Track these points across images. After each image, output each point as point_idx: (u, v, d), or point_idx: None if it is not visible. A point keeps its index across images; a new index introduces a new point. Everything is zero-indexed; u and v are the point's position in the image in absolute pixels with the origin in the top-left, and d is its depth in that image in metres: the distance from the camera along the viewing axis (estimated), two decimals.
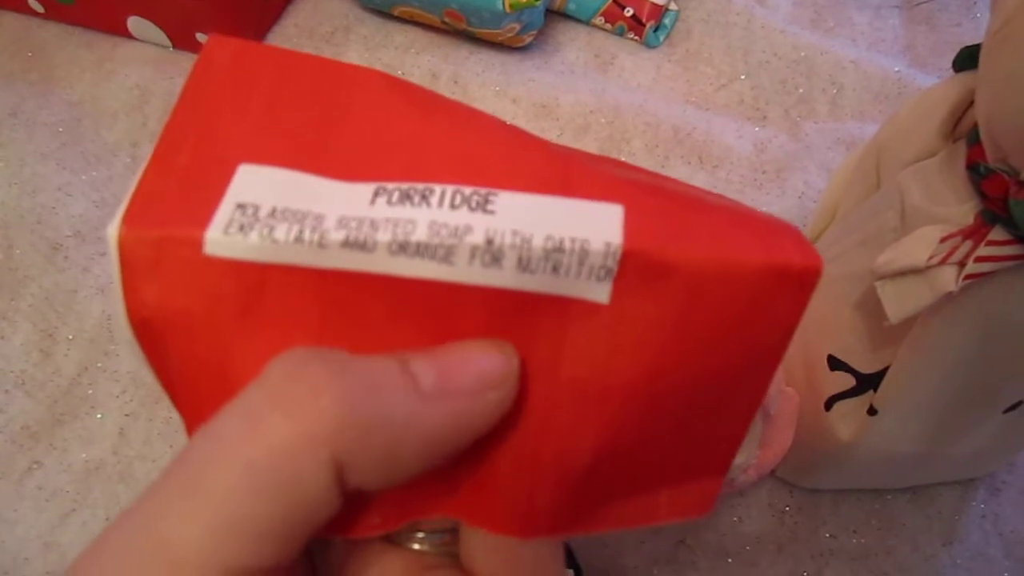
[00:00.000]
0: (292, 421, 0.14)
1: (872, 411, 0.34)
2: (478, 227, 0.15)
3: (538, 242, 0.15)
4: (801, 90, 0.53)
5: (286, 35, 0.57)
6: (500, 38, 0.53)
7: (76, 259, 0.48)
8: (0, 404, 0.43)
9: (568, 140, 0.51)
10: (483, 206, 0.15)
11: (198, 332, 0.16)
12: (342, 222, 0.15)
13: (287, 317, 0.16)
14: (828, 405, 0.36)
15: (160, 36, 0.56)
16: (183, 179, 0.16)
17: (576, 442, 0.17)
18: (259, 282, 0.15)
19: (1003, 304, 0.29)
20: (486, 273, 0.15)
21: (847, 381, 0.35)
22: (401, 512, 0.17)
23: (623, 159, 0.51)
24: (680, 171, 0.50)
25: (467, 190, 0.15)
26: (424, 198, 0.15)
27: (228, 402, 0.15)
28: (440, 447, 0.15)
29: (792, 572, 0.39)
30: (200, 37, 0.55)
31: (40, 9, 0.57)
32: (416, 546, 0.19)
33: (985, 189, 0.29)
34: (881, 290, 0.31)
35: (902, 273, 0.30)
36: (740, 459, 0.33)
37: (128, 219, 0.15)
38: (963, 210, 0.30)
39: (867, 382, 0.35)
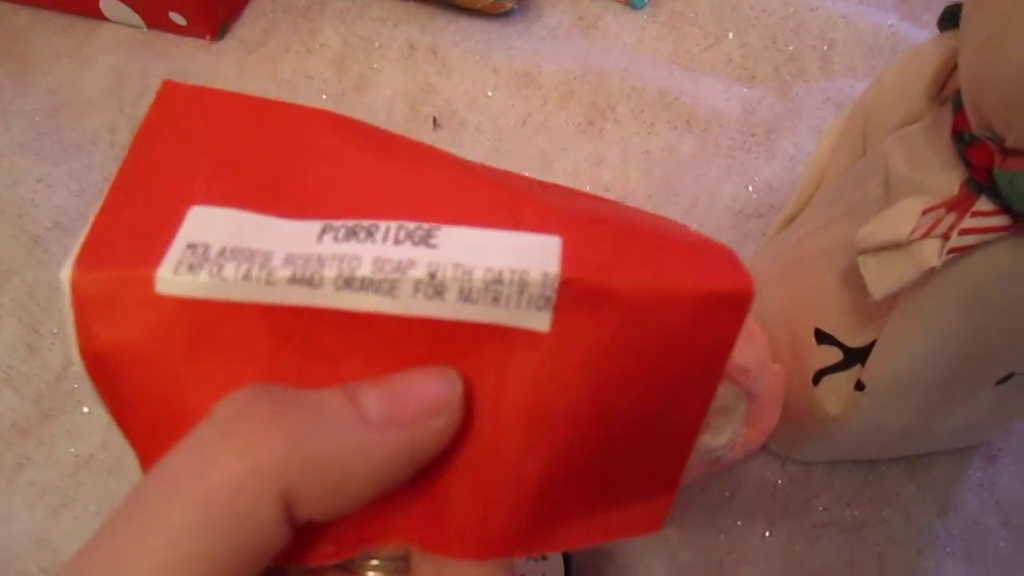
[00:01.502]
0: (241, 457, 0.14)
1: (860, 386, 0.33)
2: (421, 261, 0.16)
3: (478, 274, 0.15)
4: (791, 47, 0.51)
5: (262, 10, 0.56)
6: (479, 4, 0.52)
7: (57, 251, 0.47)
8: None
9: (552, 108, 0.50)
10: (426, 240, 0.16)
11: (151, 369, 0.16)
12: (289, 259, 0.16)
13: (238, 352, 0.16)
14: (816, 379, 0.36)
15: (134, 17, 0.55)
16: (136, 221, 0.16)
17: (525, 466, 0.17)
18: (210, 319, 0.16)
19: (989, 277, 0.28)
20: (429, 305, 0.16)
21: (834, 355, 0.35)
22: (355, 540, 0.18)
23: (608, 126, 0.50)
24: (667, 137, 0.49)
25: (411, 225, 0.16)
26: (369, 234, 0.16)
27: (181, 438, 0.15)
28: (388, 475, 0.16)
29: (784, 547, 0.39)
30: (173, 16, 0.54)
31: None
32: (371, 573, 0.19)
33: (970, 158, 0.27)
34: (863, 265, 0.30)
35: (884, 247, 0.29)
36: (724, 439, 0.33)
37: (81, 261, 0.15)
38: (949, 178, 0.28)
39: (854, 356, 0.34)
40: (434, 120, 0.51)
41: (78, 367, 0.16)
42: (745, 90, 0.50)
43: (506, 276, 0.15)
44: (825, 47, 0.51)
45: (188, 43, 0.55)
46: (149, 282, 0.15)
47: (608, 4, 0.54)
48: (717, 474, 0.40)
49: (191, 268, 0.15)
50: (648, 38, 0.52)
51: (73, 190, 0.49)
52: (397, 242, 0.16)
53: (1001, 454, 0.41)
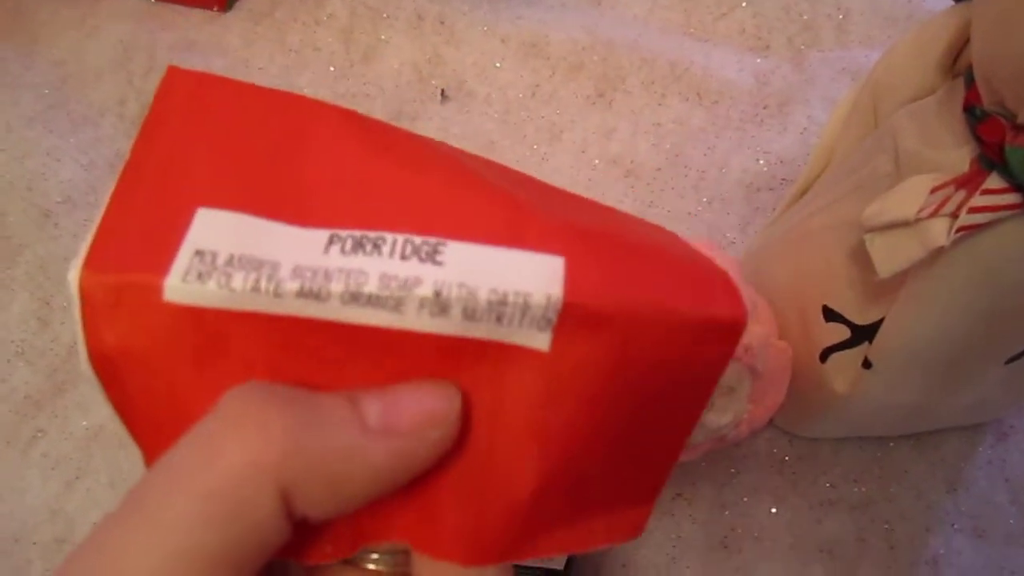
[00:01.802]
0: (243, 450, 0.15)
1: (867, 364, 0.33)
2: (427, 279, 0.16)
3: (483, 295, 0.16)
4: (805, 16, 0.50)
5: None
6: None
7: (67, 226, 0.48)
8: (2, 374, 0.44)
9: (560, 80, 0.49)
10: (432, 257, 0.16)
11: (157, 372, 0.16)
12: (297, 271, 0.16)
13: (244, 360, 0.16)
14: (823, 357, 0.35)
15: None
16: (143, 220, 0.16)
17: (519, 477, 0.18)
18: (217, 327, 0.16)
19: (999, 256, 0.28)
20: (434, 322, 0.16)
21: (842, 333, 0.34)
22: (352, 539, 0.18)
23: (617, 97, 0.49)
24: (678, 109, 0.48)
25: (417, 240, 0.16)
26: (376, 247, 0.16)
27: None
28: (384, 480, 0.16)
29: (790, 523, 0.38)
30: None
31: None
32: (371, 566, 0.19)
33: (981, 134, 0.27)
34: (870, 244, 0.29)
35: (891, 226, 0.28)
36: (728, 417, 0.33)
37: (89, 263, 0.15)
38: (960, 154, 0.28)
39: (862, 334, 0.33)
40: (442, 92, 0.50)
41: (85, 367, 0.16)
42: (758, 60, 0.49)
43: (510, 298, 0.16)
44: (840, 16, 0.50)
45: (196, 14, 0.55)
46: (157, 290, 0.15)
47: None
48: (723, 450, 0.40)
49: (200, 277, 0.15)
50: (658, 7, 0.51)
51: (83, 164, 0.50)
52: (404, 257, 0.16)
53: (1012, 431, 0.40)
